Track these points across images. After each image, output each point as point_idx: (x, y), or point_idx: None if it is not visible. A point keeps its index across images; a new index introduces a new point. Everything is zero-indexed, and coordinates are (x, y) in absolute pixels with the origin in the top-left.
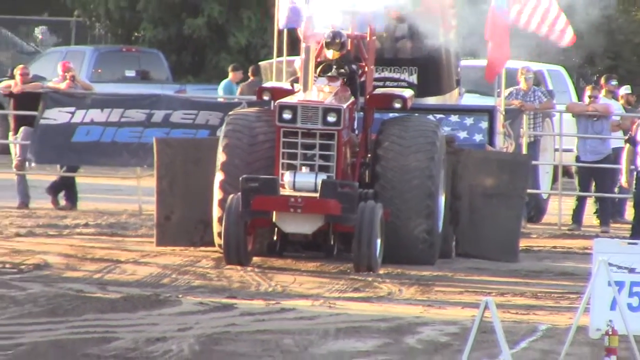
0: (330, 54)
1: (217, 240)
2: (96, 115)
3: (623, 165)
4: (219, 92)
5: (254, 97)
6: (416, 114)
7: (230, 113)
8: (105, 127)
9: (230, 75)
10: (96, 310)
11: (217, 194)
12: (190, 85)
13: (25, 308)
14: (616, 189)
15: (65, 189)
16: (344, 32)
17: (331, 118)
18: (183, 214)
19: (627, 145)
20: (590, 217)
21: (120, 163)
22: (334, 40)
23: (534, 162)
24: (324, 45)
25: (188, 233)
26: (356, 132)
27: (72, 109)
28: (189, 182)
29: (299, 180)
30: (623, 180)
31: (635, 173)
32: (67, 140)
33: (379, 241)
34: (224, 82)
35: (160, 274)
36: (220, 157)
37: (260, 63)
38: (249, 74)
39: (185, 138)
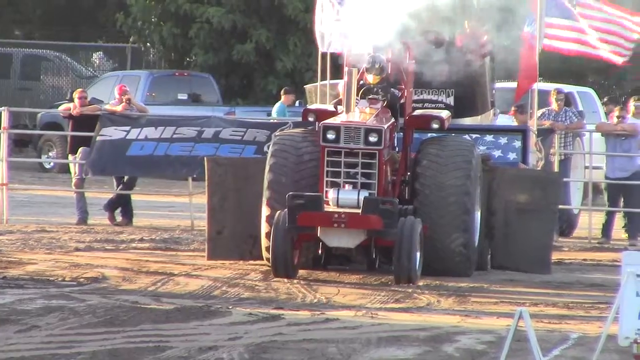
0: (370, 78)
1: (265, 254)
2: (150, 132)
3: None
4: (273, 114)
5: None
6: (453, 134)
7: (276, 133)
8: (159, 142)
9: (283, 97)
10: (151, 320)
11: (265, 211)
12: (239, 108)
13: (84, 319)
14: None
15: (121, 205)
16: (383, 57)
17: (372, 138)
18: (233, 229)
19: None
20: (618, 231)
21: (172, 173)
22: (374, 65)
23: (565, 179)
24: (364, 70)
25: (238, 247)
26: (396, 149)
27: (127, 127)
28: (239, 199)
29: (342, 197)
30: None
31: None
32: (122, 154)
33: (418, 254)
34: (277, 105)
35: (211, 286)
36: (268, 175)
37: (305, 86)
38: None
39: (234, 157)
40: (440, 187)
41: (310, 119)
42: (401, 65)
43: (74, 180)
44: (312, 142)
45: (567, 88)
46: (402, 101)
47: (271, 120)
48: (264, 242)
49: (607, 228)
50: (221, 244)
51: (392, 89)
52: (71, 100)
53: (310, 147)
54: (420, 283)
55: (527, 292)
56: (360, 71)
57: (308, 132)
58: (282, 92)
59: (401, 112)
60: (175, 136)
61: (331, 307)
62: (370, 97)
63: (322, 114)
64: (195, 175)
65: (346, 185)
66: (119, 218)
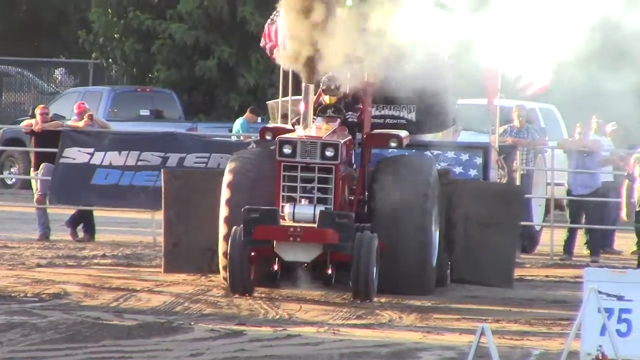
0: (327, 98)
1: (223, 273)
2: (114, 158)
3: (623, 199)
4: (236, 128)
5: None
6: (413, 150)
7: (234, 153)
8: (124, 171)
9: (247, 114)
10: (113, 336)
11: (222, 229)
12: (201, 124)
13: (46, 335)
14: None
15: (83, 221)
16: (339, 77)
17: (329, 152)
18: (190, 241)
19: (626, 181)
20: (580, 247)
21: (137, 205)
22: (330, 86)
23: (527, 196)
24: (321, 90)
25: (195, 260)
26: (354, 166)
27: (90, 149)
28: (196, 211)
29: (298, 212)
30: (623, 214)
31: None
32: (87, 182)
33: (375, 270)
34: (241, 121)
35: (173, 302)
36: (225, 193)
37: (268, 102)
38: None
39: (191, 170)
40: (397, 206)
41: (268, 137)
42: (359, 84)
43: (35, 196)
44: (269, 160)
45: (529, 104)
46: (362, 118)
47: (233, 139)
48: (222, 261)
49: (569, 245)
50: (178, 257)
51: (348, 113)
52: (33, 116)
53: (266, 166)
54: (382, 300)
55: (489, 308)
56: (319, 89)
57: (265, 150)
58: (249, 109)
59: (359, 129)
60: (140, 163)
61: (293, 323)
62: (327, 115)
63: (279, 133)
64: (160, 209)
65: (302, 200)
66: (81, 234)
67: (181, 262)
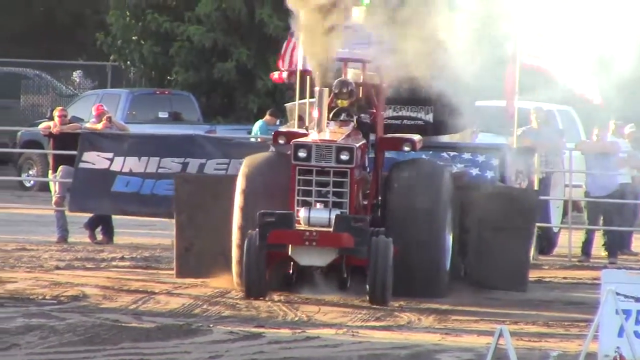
0: (339, 101)
1: (236, 279)
2: (134, 164)
3: None
4: (255, 131)
5: None
6: (430, 152)
7: (248, 156)
8: (144, 178)
9: (267, 117)
10: (132, 339)
11: (236, 236)
12: (219, 126)
13: (64, 337)
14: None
15: (102, 224)
16: (351, 81)
17: (344, 156)
18: (202, 246)
19: None
20: (598, 249)
21: (159, 214)
22: (342, 90)
23: (545, 198)
24: (333, 94)
25: (208, 265)
26: (367, 169)
27: (110, 154)
28: (208, 216)
29: (313, 216)
30: None
31: None
32: (107, 189)
33: (391, 275)
34: (260, 123)
35: (192, 305)
36: (238, 198)
37: (286, 105)
38: None
39: (202, 175)
40: (409, 211)
41: (281, 141)
42: (372, 86)
43: (54, 199)
44: (285, 163)
45: (546, 106)
46: (375, 121)
47: (252, 139)
48: (235, 268)
49: (587, 246)
50: (190, 262)
51: (362, 115)
52: (51, 118)
53: (281, 169)
54: (401, 302)
55: (507, 310)
56: (332, 93)
57: (279, 154)
58: (268, 112)
59: (372, 131)
60: (160, 170)
61: (312, 325)
62: (340, 119)
63: (292, 137)
64: None
65: (317, 204)
66: (99, 236)
67: (193, 267)
